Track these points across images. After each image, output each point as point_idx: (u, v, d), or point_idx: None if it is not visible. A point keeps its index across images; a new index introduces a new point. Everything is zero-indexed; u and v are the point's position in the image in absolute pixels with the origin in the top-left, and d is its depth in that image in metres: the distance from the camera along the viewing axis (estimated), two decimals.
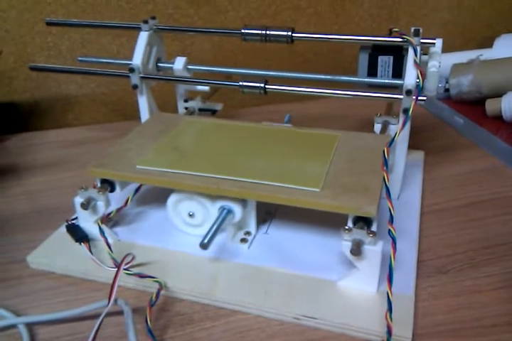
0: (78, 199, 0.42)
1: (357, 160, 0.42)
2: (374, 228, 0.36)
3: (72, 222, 0.45)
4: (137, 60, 0.52)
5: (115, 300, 0.35)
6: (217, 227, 0.39)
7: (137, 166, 0.42)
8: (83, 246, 0.42)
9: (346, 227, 0.35)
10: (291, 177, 0.39)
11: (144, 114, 0.55)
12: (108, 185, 0.43)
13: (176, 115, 0.53)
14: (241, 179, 0.40)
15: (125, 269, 0.39)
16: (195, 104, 0.59)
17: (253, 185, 0.39)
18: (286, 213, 0.47)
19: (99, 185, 0.43)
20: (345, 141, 0.45)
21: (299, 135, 0.47)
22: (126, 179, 0.43)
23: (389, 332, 0.32)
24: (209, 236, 0.38)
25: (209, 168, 0.41)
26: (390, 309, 0.33)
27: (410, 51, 0.43)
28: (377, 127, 0.50)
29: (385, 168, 0.39)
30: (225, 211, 0.41)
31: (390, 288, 0.34)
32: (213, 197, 0.41)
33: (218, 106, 0.60)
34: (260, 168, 0.41)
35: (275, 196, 0.38)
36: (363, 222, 0.36)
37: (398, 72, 0.47)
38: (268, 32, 0.49)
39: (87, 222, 0.43)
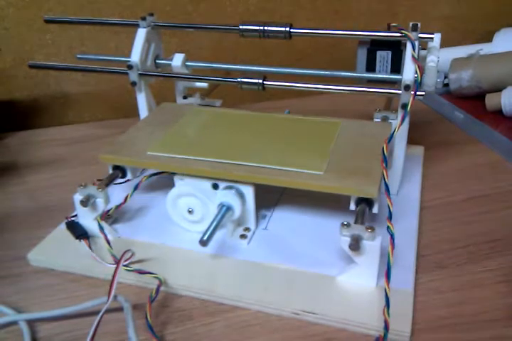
0: (78, 197, 0.42)
1: (358, 146, 0.43)
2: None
3: (72, 219, 0.45)
4: (135, 56, 0.52)
5: (115, 297, 0.35)
6: (217, 224, 0.39)
7: (148, 152, 0.43)
8: (83, 243, 0.42)
9: (345, 223, 0.36)
10: (296, 162, 0.41)
11: (143, 111, 0.55)
12: (119, 172, 0.44)
13: (183, 105, 0.56)
14: (248, 163, 0.41)
15: (125, 265, 0.39)
16: (194, 100, 0.58)
17: (260, 169, 0.41)
18: (286, 209, 0.47)
19: (110, 171, 0.44)
20: (347, 128, 0.47)
21: (303, 122, 0.49)
22: (138, 165, 0.45)
23: (386, 327, 0.32)
24: (208, 232, 0.38)
25: (217, 153, 0.43)
26: (387, 304, 0.33)
27: (408, 46, 0.43)
28: None
29: (384, 164, 0.39)
30: (225, 207, 0.41)
31: (388, 284, 0.34)
32: (212, 194, 0.41)
33: (217, 103, 0.60)
34: (266, 153, 0.43)
35: (280, 179, 0.40)
36: (365, 203, 0.38)
37: (397, 67, 0.47)
38: (266, 28, 0.48)
39: (87, 219, 0.43)
